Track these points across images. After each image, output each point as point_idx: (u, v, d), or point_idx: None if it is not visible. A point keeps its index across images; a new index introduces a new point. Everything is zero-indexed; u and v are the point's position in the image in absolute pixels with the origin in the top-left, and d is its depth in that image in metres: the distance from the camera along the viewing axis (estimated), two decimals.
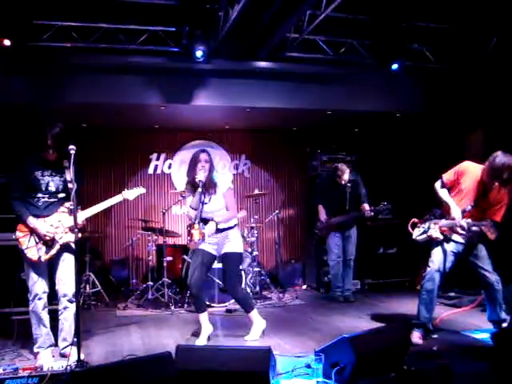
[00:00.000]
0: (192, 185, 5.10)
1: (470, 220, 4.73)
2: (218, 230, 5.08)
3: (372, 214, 6.99)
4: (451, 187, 4.98)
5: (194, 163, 5.10)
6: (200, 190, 4.95)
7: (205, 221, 5.04)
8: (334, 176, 7.34)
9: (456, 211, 4.81)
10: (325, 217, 7.42)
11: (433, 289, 4.92)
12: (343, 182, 7.27)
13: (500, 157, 4.59)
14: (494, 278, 4.92)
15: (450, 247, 4.93)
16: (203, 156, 5.07)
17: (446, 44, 7.12)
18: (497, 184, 4.66)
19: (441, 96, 7.79)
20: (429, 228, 5.01)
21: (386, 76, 7.24)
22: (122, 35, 6.47)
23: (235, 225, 5.26)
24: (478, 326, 5.37)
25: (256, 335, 5.19)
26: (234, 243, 5.17)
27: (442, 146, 7.89)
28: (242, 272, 6.99)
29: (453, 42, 7.04)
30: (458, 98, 7.62)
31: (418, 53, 7.21)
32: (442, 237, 4.92)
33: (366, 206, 7.10)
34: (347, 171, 7.28)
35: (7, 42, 5.79)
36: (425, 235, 5.04)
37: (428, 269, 4.97)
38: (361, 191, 7.31)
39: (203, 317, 5.15)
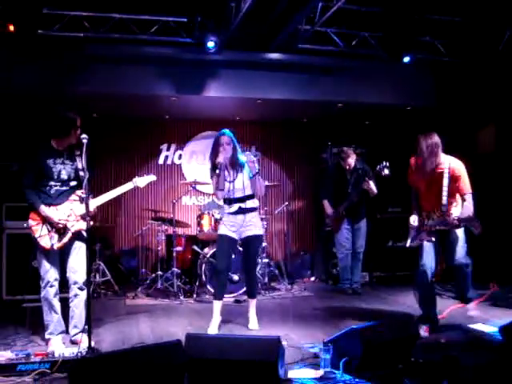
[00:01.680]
0: (214, 169, 5.13)
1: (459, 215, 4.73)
2: (244, 210, 5.17)
3: (370, 182, 6.81)
4: (418, 188, 5.05)
5: (215, 147, 5.14)
6: (218, 171, 5.02)
7: (234, 200, 5.16)
8: (339, 159, 7.38)
9: (412, 218, 5.05)
10: (331, 210, 7.43)
11: (427, 282, 4.96)
12: (347, 167, 7.26)
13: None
14: (463, 260, 4.96)
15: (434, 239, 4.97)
16: (223, 139, 5.11)
17: (458, 37, 7.08)
18: (437, 171, 4.78)
19: (452, 90, 7.75)
20: (418, 232, 5.03)
21: (398, 69, 7.22)
22: (134, 25, 6.48)
23: (258, 206, 5.36)
24: (486, 320, 5.37)
25: (257, 323, 5.29)
26: (258, 226, 5.28)
27: (453, 140, 7.83)
28: None
29: (465, 35, 7.00)
30: (470, 91, 7.58)
31: (429, 46, 7.18)
32: (433, 238, 4.92)
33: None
34: (353, 155, 7.28)
35: (11, 28, 5.82)
36: (416, 241, 5.05)
37: (419, 264, 5.02)
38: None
39: (218, 305, 5.18)
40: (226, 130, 5.19)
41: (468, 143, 7.70)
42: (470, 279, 5.05)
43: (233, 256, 5.57)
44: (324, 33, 6.88)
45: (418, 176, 4.94)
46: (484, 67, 7.17)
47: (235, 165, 5.16)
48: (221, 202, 7.42)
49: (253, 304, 5.35)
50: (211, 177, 5.22)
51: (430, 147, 4.71)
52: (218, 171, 5.03)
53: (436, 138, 4.76)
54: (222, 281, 5.24)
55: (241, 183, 5.14)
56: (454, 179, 4.76)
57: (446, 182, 4.75)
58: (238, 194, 5.17)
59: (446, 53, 7.24)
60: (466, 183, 4.79)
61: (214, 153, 5.13)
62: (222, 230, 5.24)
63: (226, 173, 5.16)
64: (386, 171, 6.50)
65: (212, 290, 6.83)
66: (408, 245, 5.16)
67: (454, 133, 7.89)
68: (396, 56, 6.81)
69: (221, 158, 5.04)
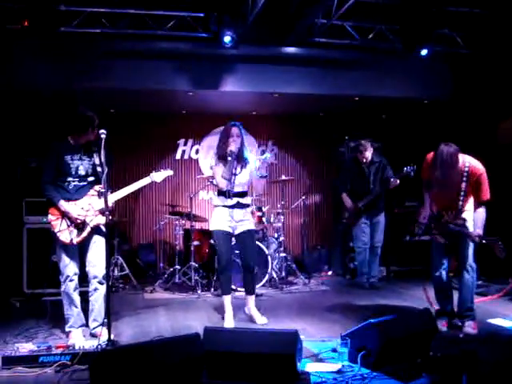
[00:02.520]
0: (222, 157, 5.12)
1: (480, 231, 4.66)
2: (242, 205, 5.20)
3: (397, 181, 6.80)
4: (431, 183, 4.93)
5: (225, 137, 5.14)
6: (230, 159, 5.01)
7: (234, 194, 5.13)
8: (356, 152, 7.34)
9: (423, 214, 4.99)
10: (351, 204, 7.40)
11: (442, 277, 4.95)
12: (365, 160, 7.24)
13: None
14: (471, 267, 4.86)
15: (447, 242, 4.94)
16: (235, 130, 5.12)
17: (476, 29, 6.99)
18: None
19: (471, 82, 7.66)
20: (429, 228, 4.99)
21: (415, 62, 7.16)
22: (151, 21, 6.51)
23: (250, 204, 5.46)
24: (506, 315, 5.34)
25: (262, 316, 5.27)
26: (251, 221, 5.32)
27: (472, 133, 7.77)
28: (269, 257, 7.06)
29: (484, 26, 6.91)
30: (489, 84, 7.48)
31: (447, 38, 7.10)
32: (447, 242, 4.88)
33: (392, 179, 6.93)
34: (370, 149, 7.25)
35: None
36: (427, 236, 5.02)
37: (432, 259, 5.02)
38: (388, 173, 7.20)
39: (229, 299, 5.23)
40: (236, 122, 5.20)
41: (486, 135, 7.61)
42: (473, 290, 4.91)
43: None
44: (340, 26, 6.85)
45: (430, 173, 4.86)
46: (503, 59, 7.07)
47: (241, 159, 5.17)
48: (211, 194, 7.41)
49: (252, 300, 5.34)
50: (215, 165, 5.19)
51: (449, 157, 4.58)
52: (229, 158, 5.01)
53: (455, 148, 4.61)
54: (227, 276, 5.28)
55: (243, 178, 5.16)
56: (472, 181, 4.65)
57: (463, 185, 4.69)
58: (239, 189, 5.16)
59: (464, 45, 7.16)
60: (486, 189, 4.69)
61: (224, 141, 5.13)
62: (217, 224, 5.20)
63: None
64: (412, 174, 6.50)
65: None
66: (415, 238, 5.13)
67: (472, 125, 7.83)
68: (413, 49, 6.75)
69: (233, 147, 5.04)
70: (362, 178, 7.28)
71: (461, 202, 4.71)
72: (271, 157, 9.32)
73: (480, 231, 4.62)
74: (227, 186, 5.11)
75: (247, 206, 5.29)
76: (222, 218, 5.19)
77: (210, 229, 5.33)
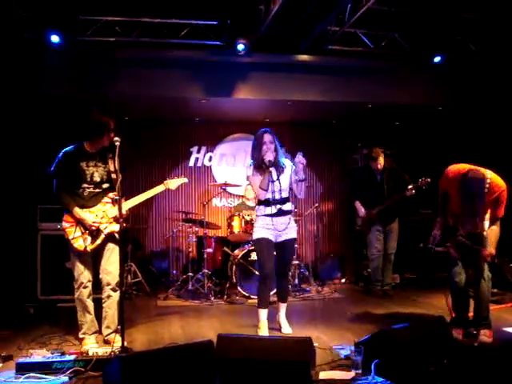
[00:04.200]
0: (259, 167, 4.99)
1: (493, 250, 4.61)
2: (283, 212, 5.03)
3: (413, 191, 6.75)
4: (448, 193, 4.85)
5: (258, 145, 4.98)
6: (270, 169, 4.93)
7: (274, 201, 4.99)
8: (369, 159, 7.32)
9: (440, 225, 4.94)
10: (364, 211, 7.37)
11: (459, 286, 4.90)
12: (379, 167, 7.20)
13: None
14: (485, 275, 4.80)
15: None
16: (267, 137, 4.97)
17: (490, 36, 6.97)
18: None
19: (485, 89, 7.63)
20: (444, 240, 4.95)
21: (428, 69, 7.14)
22: (164, 29, 6.56)
23: (292, 209, 5.27)
24: None
25: (289, 326, 5.20)
26: (294, 229, 5.14)
27: (486, 141, 7.72)
28: None
29: (497, 33, 6.88)
30: (504, 91, 7.45)
31: (461, 45, 7.08)
32: (459, 255, 4.85)
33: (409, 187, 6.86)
34: (382, 155, 7.23)
35: (55, 39, 5.97)
36: (441, 248, 4.99)
37: (450, 267, 4.97)
38: (403, 177, 7.15)
39: (265, 313, 5.02)
40: (267, 129, 5.07)
41: (502, 144, 7.57)
42: (489, 299, 4.84)
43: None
44: (353, 34, 6.86)
45: (450, 187, 4.82)
46: None
47: (278, 165, 5.02)
48: (251, 203, 7.41)
49: (284, 308, 5.26)
50: (252, 175, 5.04)
51: (479, 196, 4.44)
52: (270, 169, 4.92)
53: (483, 180, 4.46)
54: (268, 286, 5.07)
55: (283, 185, 5.01)
56: (491, 197, 4.53)
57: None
58: (280, 196, 5.00)
59: (477, 52, 7.13)
60: (503, 206, 4.62)
61: (258, 150, 4.97)
62: (260, 233, 5.01)
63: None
64: (426, 187, 6.48)
65: (242, 292, 6.88)
66: (431, 251, 5.10)
67: (487, 134, 7.79)
68: (426, 56, 6.74)
69: (270, 156, 4.91)
70: (375, 185, 7.26)
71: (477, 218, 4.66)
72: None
73: (492, 250, 4.57)
74: (264, 196, 4.99)
75: (289, 212, 5.10)
76: (264, 227, 5.01)
77: (253, 238, 5.13)
